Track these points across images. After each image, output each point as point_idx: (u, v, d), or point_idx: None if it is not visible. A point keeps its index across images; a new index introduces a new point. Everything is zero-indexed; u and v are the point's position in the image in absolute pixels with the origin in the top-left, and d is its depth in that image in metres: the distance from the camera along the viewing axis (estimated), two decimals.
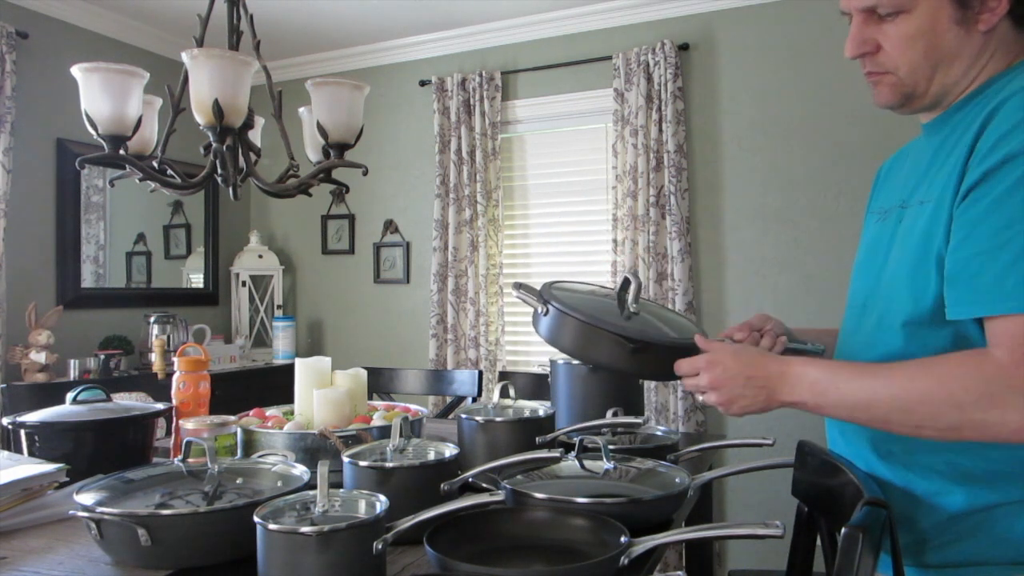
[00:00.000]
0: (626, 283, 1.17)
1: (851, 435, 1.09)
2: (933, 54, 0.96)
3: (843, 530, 0.83)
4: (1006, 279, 0.83)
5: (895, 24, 0.97)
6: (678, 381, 1.09)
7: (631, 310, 1.14)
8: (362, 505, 0.96)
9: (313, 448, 1.39)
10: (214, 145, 1.52)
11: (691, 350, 1.10)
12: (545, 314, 1.14)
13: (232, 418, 1.50)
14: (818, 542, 1.28)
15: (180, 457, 1.20)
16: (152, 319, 3.32)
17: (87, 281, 3.30)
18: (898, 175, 1.14)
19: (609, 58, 3.23)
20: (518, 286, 1.21)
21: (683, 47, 3.13)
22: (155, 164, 1.64)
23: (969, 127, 0.93)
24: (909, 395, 0.88)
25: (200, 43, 1.56)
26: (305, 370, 1.61)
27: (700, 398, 1.07)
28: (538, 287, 1.20)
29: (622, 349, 1.08)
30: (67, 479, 1.29)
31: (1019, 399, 0.81)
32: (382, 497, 0.96)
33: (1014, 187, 0.84)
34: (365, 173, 1.66)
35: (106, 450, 1.43)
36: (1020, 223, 0.83)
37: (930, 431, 0.88)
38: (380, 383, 2.71)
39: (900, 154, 1.20)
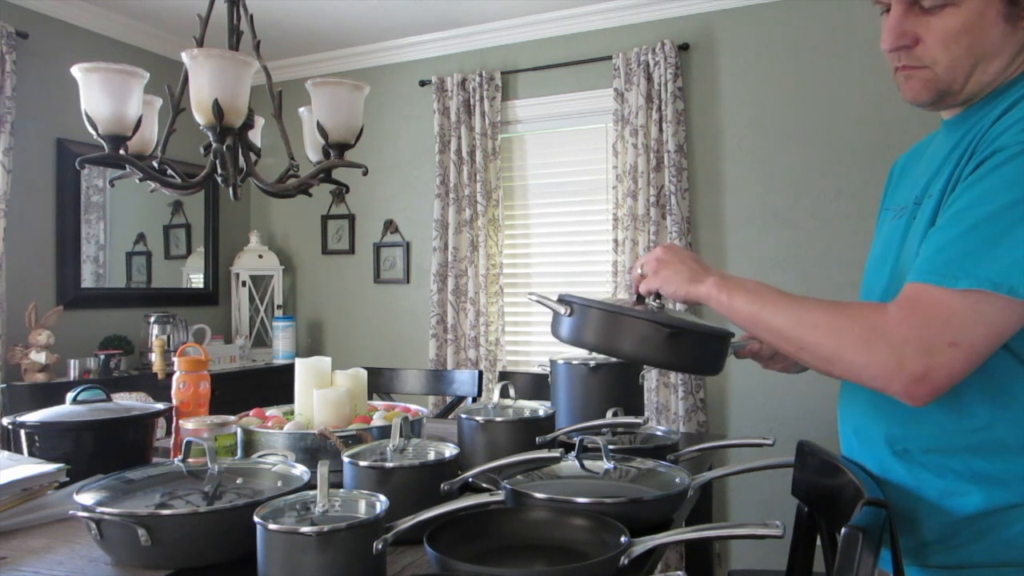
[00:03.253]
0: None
1: (865, 433, 1.08)
2: (976, 50, 0.93)
3: (843, 530, 0.83)
4: (939, 255, 0.86)
5: (940, 17, 0.94)
6: (696, 375, 1.09)
7: (654, 305, 1.13)
8: (362, 505, 0.96)
9: (313, 448, 1.39)
10: (214, 145, 1.52)
11: (726, 339, 1.12)
12: (569, 314, 1.12)
13: (232, 418, 1.50)
14: (818, 542, 1.28)
15: (180, 457, 1.20)
16: (152, 319, 3.32)
17: (87, 281, 3.30)
18: (914, 172, 1.12)
19: (609, 58, 3.23)
20: (534, 296, 1.21)
21: (683, 47, 3.12)
22: (155, 164, 1.63)
23: (983, 124, 0.93)
24: (807, 315, 0.94)
25: (200, 43, 1.55)
26: (305, 370, 1.61)
27: (638, 267, 1.13)
28: (539, 287, 1.19)
29: (657, 335, 1.05)
30: (67, 479, 1.29)
31: (886, 351, 0.86)
32: (382, 497, 0.96)
33: (986, 175, 0.87)
34: (365, 173, 1.66)
35: (106, 450, 1.43)
36: (977, 206, 0.85)
37: (808, 356, 0.95)
38: (380, 383, 2.71)
39: (916, 149, 1.19)
